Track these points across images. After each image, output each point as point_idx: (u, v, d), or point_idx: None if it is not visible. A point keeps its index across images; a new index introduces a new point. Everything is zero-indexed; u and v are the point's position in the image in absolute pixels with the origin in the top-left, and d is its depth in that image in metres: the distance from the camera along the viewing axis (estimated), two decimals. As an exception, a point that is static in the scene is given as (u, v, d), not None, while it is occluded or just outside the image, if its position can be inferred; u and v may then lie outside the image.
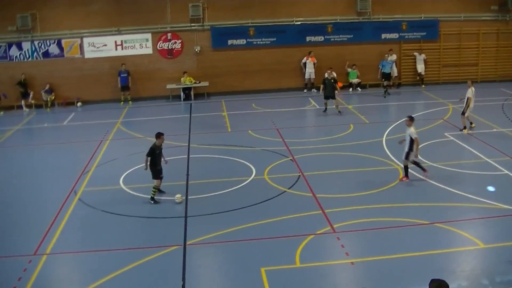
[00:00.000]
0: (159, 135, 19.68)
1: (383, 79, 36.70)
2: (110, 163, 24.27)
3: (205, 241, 16.43)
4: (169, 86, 36.44)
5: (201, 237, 16.63)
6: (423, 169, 20.84)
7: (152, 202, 19.43)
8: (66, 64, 36.34)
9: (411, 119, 20.79)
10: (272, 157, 23.80)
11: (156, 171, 19.54)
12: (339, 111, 31.61)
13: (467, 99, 26.94)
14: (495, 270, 14.52)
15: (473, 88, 27.24)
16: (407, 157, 20.65)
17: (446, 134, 26.76)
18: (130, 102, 36.30)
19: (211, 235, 16.72)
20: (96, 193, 20.78)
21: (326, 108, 32.15)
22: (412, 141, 20.39)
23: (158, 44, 36.79)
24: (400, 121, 29.15)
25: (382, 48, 38.13)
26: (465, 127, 27.34)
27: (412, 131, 20.51)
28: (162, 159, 20.04)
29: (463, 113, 27.28)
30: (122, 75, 35.89)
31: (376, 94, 36.71)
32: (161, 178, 19.68)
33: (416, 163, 20.93)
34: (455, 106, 29.14)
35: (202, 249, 16.13)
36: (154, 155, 19.41)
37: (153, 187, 19.53)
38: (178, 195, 19.34)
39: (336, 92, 31.98)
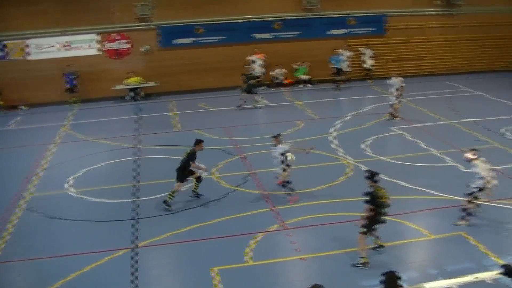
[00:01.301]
0: (198, 142, 19.32)
1: (335, 74, 36.98)
2: (58, 166, 23.80)
3: (156, 242, 16.32)
4: (117, 87, 35.99)
5: (152, 238, 16.54)
6: (291, 192, 19.03)
7: (167, 206, 18.69)
8: (11, 66, 35.44)
9: (277, 137, 19.12)
10: (221, 156, 23.70)
11: (184, 176, 18.92)
12: (255, 107, 32.39)
13: (400, 87, 27.94)
14: (444, 259, 14.78)
15: (398, 79, 28.23)
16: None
17: (393, 128, 26.99)
18: (78, 104, 35.75)
19: (162, 236, 16.62)
20: (44, 198, 20.37)
21: (244, 105, 32.29)
22: (285, 154, 18.80)
23: (106, 45, 36.27)
24: (348, 116, 29.41)
25: (331, 44, 38.26)
26: (396, 115, 28.40)
27: (282, 146, 18.91)
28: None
29: (393, 103, 28.38)
30: (68, 77, 35.26)
31: (325, 90, 36.83)
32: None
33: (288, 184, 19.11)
34: (404, 100, 29.31)
35: (154, 250, 16.01)
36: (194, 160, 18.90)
37: (172, 191, 18.77)
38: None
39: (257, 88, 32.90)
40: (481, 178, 16.18)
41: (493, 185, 16.57)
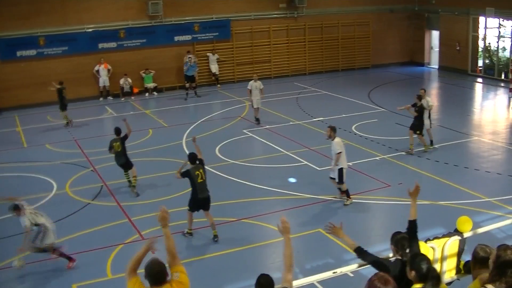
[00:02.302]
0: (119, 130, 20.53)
1: (186, 82, 36.18)
2: None
3: (10, 264, 15.44)
4: (-47, 105, 34.08)
5: (6, 260, 15.71)
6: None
7: (135, 191, 20.18)
8: None
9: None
10: (73, 170, 22.98)
11: (130, 161, 20.56)
12: (67, 122, 30.36)
13: (261, 90, 28.29)
14: (304, 257, 15.05)
15: (259, 82, 28.47)
16: None
17: (244, 131, 27.28)
18: None
19: (17, 257, 15.76)
20: None
21: (68, 122, 30.35)
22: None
23: None
24: (198, 122, 29.40)
25: (177, 51, 38.20)
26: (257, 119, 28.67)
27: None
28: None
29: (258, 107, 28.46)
30: None
31: (174, 97, 36.55)
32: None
33: None
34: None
35: (9, 273, 15.21)
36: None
37: (134, 177, 20.42)
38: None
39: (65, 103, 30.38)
40: (337, 153, 17.88)
41: (347, 166, 18.35)
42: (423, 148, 23.35)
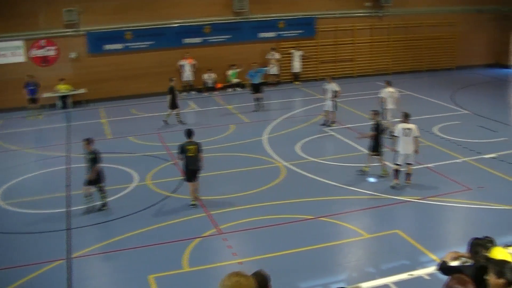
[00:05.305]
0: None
1: (253, 91, 32.80)
2: (-15, 178, 23.08)
3: (90, 252, 15.95)
4: (45, 95, 34.98)
5: (86, 248, 16.13)
6: None
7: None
8: None
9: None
10: (154, 162, 23.42)
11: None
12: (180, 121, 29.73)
13: (335, 92, 27.49)
14: (380, 258, 14.97)
15: (334, 84, 27.77)
16: None
17: (326, 129, 27.17)
18: (40, 115, 33.80)
19: (97, 245, 16.27)
20: (-29, 210, 19.70)
21: (181, 120, 29.94)
22: None
23: (31, 52, 35.35)
24: (279, 119, 29.48)
25: (261, 47, 38.41)
26: (333, 121, 28.06)
27: None
28: None
29: (329, 110, 27.84)
30: (29, 87, 33.08)
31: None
32: None
33: None
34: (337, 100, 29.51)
35: (88, 260, 15.64)
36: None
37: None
38: None
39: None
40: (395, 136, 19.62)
41: (402, 152, 19.33)
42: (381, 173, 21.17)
